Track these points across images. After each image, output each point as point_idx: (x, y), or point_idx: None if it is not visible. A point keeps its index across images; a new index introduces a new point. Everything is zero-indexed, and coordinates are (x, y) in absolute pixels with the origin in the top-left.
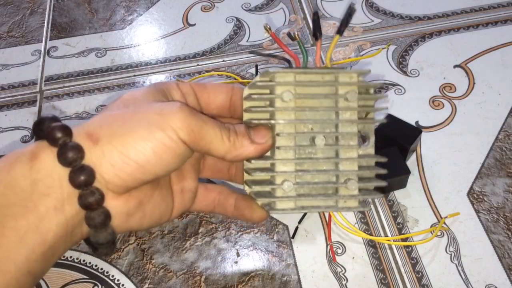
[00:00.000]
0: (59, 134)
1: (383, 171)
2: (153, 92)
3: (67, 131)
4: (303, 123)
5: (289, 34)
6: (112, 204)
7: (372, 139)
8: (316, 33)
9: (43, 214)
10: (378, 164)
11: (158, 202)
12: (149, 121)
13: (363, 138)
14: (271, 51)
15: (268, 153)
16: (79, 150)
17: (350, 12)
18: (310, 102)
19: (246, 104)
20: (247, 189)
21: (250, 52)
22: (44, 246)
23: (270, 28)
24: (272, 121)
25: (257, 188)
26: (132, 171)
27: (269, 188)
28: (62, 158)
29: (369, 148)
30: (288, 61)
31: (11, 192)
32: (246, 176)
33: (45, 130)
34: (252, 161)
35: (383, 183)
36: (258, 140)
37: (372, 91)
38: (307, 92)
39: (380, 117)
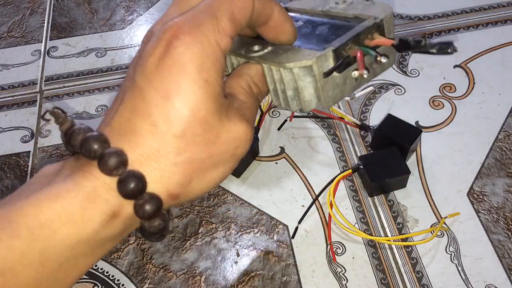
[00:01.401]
0: (149, 208)
1: None
2: (214, 107)
3: (158, 203)
4: None
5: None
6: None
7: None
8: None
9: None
10: (380, 161)
11: None
12: (224, 164)
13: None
14: None
15: None
16: (164, 218)
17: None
18: None
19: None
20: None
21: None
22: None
23: None
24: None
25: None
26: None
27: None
28: (150, 228)
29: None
30: None
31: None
32: None
33: (128, 190)
34: None
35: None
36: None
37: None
38: None
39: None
